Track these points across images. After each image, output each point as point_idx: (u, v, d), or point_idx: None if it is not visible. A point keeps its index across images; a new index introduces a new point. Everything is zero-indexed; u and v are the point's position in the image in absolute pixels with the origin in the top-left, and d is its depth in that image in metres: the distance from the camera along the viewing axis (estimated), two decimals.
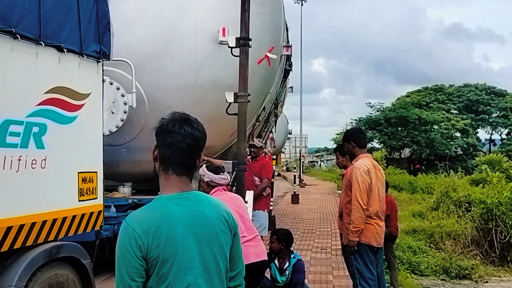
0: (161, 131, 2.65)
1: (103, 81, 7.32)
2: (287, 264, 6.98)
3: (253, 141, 9.52)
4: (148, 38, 8.44)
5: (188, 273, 2.49)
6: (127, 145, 8.84)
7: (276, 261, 7.05)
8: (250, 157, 9.25)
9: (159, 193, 2.66)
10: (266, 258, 5.91)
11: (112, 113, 8.02)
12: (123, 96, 8.02)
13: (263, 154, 9.59)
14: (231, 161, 8.16)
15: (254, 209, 8.75)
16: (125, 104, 8.03)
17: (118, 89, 8.02)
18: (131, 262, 2.42)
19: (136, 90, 8.08)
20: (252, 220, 8.56)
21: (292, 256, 7.03)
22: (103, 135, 7.43)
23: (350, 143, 6.44)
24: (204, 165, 5.84)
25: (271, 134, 18.32)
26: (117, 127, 8.08)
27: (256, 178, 8.98)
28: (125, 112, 8.05)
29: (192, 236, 2.53)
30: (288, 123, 43.49)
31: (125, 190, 9.35)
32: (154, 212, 2.53)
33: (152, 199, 2.62)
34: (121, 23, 7.95)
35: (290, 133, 47.96)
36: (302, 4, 45.24)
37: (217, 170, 5.65)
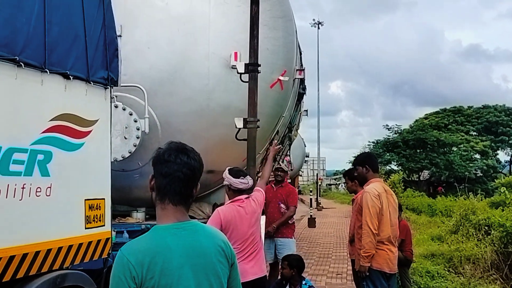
0: (158, 161, 2.65)
1: (116, 107, 7.37)
2: None
3: (280, 165, 9.42)
4: (160, 63, 8.45)
5: None
6: (140, 170, 8.81)
7: None
8: (274, 181, 9.12)
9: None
10: (265, 274, 5.79)
11: (125, 138, 8.02)
12: (135, 121, 8.02)
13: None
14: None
15: (282, 237, 8.68)
16: (138, 129, 8.03)
17: (131, 114, 8.02)
18: None
19: (148, 115, 8.07)
20: (280, 248, 8.51)
21: (303, 282, 6.93)
22: (116, 160, 7.46)
23: (365, 166, 6.37)
24: (228, 168, 5.66)
25: (287, 157, 18.24)
26: (130, 152, 8.07)
27: (282, 206, 8.87)
28: (137, 138, 8.05)
29: (189, 267, 2.50)
30: (305, 146, 43.33)
31: (138, 216, 9.31)
32: (149, 243, 2.50)
33: None
34: (133, 49, 8.01)
35: (308, 156, 47.75)
36: (318, 28, 45.56)
37: (238, 173, 5.46)
